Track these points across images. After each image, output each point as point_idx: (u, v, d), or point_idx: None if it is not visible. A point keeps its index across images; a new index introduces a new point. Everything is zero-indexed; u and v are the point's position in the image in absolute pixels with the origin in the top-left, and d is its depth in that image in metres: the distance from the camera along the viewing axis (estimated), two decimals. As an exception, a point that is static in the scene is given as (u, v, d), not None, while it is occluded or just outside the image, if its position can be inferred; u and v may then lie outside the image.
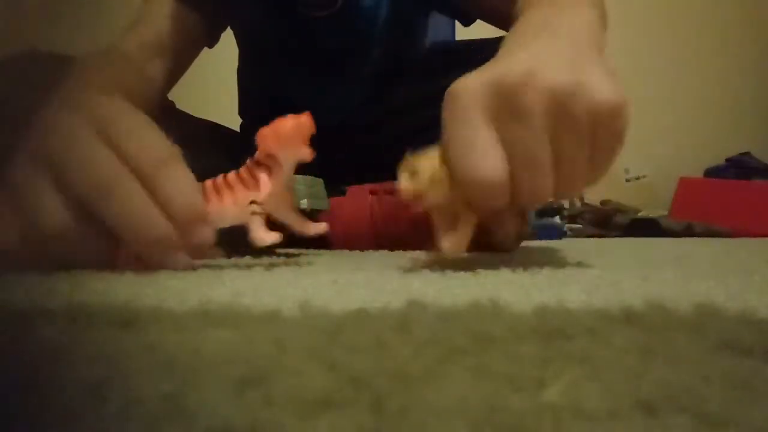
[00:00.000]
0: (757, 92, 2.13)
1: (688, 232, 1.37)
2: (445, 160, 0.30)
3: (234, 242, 0.36)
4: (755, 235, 1.31)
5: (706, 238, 1.25)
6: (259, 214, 0.35)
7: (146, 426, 0.09)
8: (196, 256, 0.33)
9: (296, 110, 0.35)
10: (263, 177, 0.35)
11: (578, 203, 1.86)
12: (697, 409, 0.10)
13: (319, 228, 0.38)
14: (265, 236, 0.34)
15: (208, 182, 0.36)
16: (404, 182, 0.31)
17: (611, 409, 0.10)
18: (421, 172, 0.30)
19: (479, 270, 0.32)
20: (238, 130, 0.83)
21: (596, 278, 0.30)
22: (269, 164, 0.36)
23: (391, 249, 0.57)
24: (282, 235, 0.34)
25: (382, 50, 0.69)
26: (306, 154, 0.35)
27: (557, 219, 1.45)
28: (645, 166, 2.02)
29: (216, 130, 0.77)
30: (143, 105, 0.44)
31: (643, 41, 2.11)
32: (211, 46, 0.69)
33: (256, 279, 0.30)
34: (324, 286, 0.27)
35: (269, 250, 0.52)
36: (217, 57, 0.77)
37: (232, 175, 0.36)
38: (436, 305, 0.19)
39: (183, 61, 0.64)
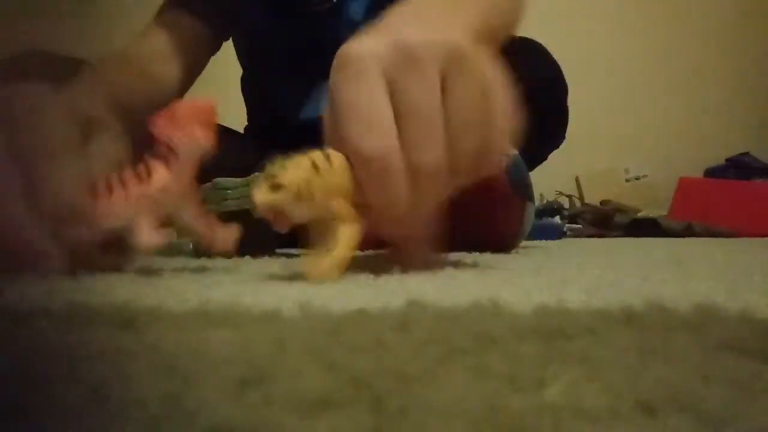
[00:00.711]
0: (757, 92, 2.13)
1: (688, 232, 1.37)
2: (330, 137, 0.29)
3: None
4: (755, 235, 1.31)
5: (706, 238, 1.25)
6: (148, 211, 0.29)
7: (146, 426, 0.09)
8: (77, 261, 0.30)
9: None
10: (158, 168, 0.30)
11: (578, 203, 1.86)
12: (697, 409, 0.10)
13: (227, 240, 0.31)
14: (148, 238, 0.29)
15: (102, 179, 0.31)
16: (260, 195, 0.27)
17: (611, 409, 0.10)
18: (287, 185, 0.26)
19: (479, 270, 0.32)
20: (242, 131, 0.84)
21: (596, 278, 0.30)
22: (166, 155, 0.30)
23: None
24: (169, 236, 0.30)
25: None
26: (207, 140, 0.30)
27: (557, 219, 1.45)
28: (645, 166, 2.02)
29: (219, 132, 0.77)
30: (146, 103, 0.45)
31: (642, 41, 2.11)
32: (212, 54, 0.70)
33: (256, 279, 0.30)
34: (324, 286, 0.27)
35: (268, 251, 0.52)
36: (221, 58, 0.79)
37: (127, 170, 0.31)
38: (436, 305, 0.19)
39: (193, 68, 0.65)
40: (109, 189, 0.30)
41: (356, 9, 0.68)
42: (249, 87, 0.85)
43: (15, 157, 0.29)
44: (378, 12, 0.76)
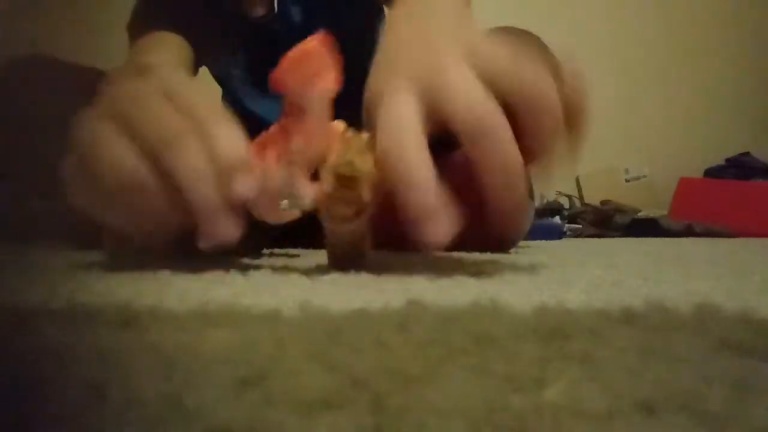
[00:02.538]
0: (757, 92, 2.13)
1: (688, 232, 1.37)
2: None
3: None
4: (755, 235, 1.31)
5: (706, 238, 1.25)
6: (298, 164, 0.29)
7: (146, 426, 0.09)
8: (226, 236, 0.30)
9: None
10: (293, 124, 0.30)
11: (578, 203, 1.86)
12: (697, 409, 0.10)
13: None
14: (310, 190, 0.29)
15: (256, 140, 0.31)
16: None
17: (611, 409, 0.10)
18: (365, 175, 0.28)
19: (479, 270, 0.32)
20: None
21: (596, 278, 0.30)
22: (296, 111, 0.30)
23: (391, 248, 0.57)
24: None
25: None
26: (332, 83, 0.29)
27: (557, 219, 1.45)
28: (645, 166, 2.02)
29: None
30: None
31: (642, 41, 2.11)
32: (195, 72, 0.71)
33: (256, 279, 0.29)
34: (324, 286, 0.27)
35: (268, 251, 0.52)
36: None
37: (273, 127, 0.31)
38: (436, 305, 0.19)
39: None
40: (262, 149, 0.30)
41: (296, 11, 0.71)
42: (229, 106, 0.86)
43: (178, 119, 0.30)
44: (315, 12, 0.77)
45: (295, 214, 0.31)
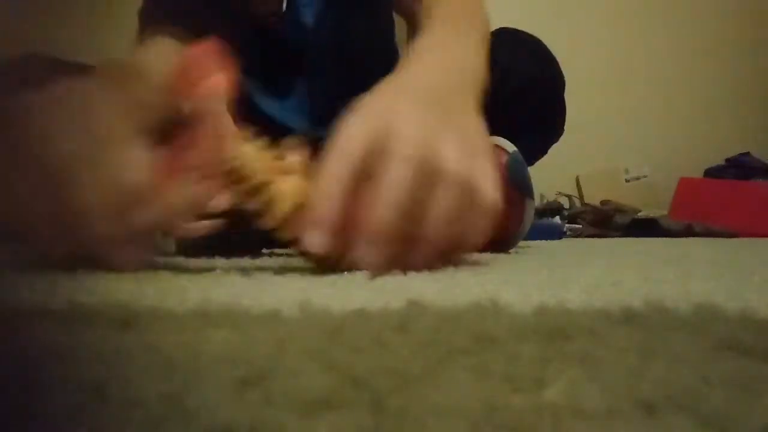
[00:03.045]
0: (757, 92, 2.13)
1: (688, 232, 1.36)
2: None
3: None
4: (755, 235, 1.31)
5: (706, 238, 1.25)
6: (199, 175, 0.29)
7: (146, 426, 0.09)
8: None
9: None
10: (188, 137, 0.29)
11: (578, 203, 1.86)
12: (697, 409, 0.10)
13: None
14: (216, 200, 0.30)
15: (163, 158, 0.30)
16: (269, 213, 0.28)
17: (611, 409, 0.10)
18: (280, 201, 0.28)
19: (479, 270, 0.32)
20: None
21: (596, 278, 0.30)
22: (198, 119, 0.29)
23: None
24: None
25: (339, 47, 0.70)
26: (224, 84, 0.27)
27: (557, 219, 1.45)
28: (645, 166, 2.02)
29: None
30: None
31: (642, 40, 2.11)
32: None
33: (256, 279, 0.30)
34: (324, 286, 0.27)
35: (268, 251, 0.52)
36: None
37: (176, 142, 0.30)
38: (436, 305, 0.19)
39: None
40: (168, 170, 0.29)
41: (307, 14, 0.69)
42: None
43: (79, 146, 0.30)
44: (328, 16, 0.76)
45: (206, 225, 0.31)
